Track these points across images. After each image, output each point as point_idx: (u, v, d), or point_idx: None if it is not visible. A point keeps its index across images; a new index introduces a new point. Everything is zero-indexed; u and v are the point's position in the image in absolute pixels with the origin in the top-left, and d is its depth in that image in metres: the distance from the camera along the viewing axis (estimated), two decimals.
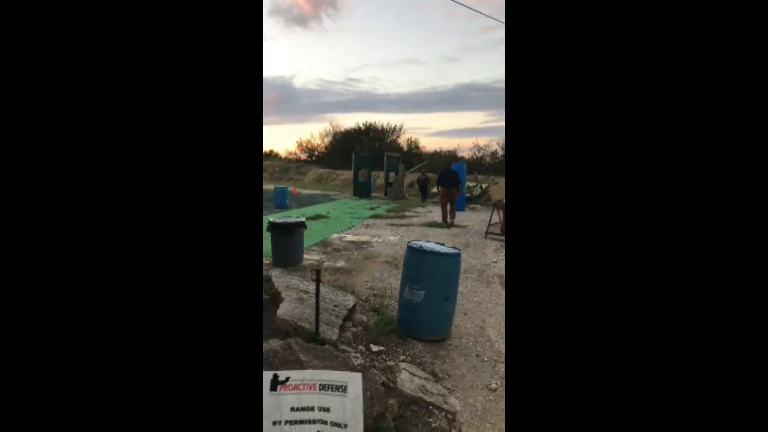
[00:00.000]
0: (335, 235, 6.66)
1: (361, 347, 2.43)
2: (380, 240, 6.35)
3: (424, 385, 2.06)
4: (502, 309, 3.40)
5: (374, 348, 2.45)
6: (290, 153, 33.14)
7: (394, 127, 28.19)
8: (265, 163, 31.18)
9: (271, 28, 65.73)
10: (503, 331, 2.96)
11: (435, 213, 10.13)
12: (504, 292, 3.91)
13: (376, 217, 9.26)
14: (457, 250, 2.81)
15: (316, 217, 8.84)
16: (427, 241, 3.00)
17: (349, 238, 6.54)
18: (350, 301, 2.87)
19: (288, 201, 11.36)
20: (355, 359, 2.15)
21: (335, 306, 2.63)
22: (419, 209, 11.09)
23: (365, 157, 15.19)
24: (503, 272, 4.55)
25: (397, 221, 8.54)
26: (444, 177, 8.40)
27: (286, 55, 63.58)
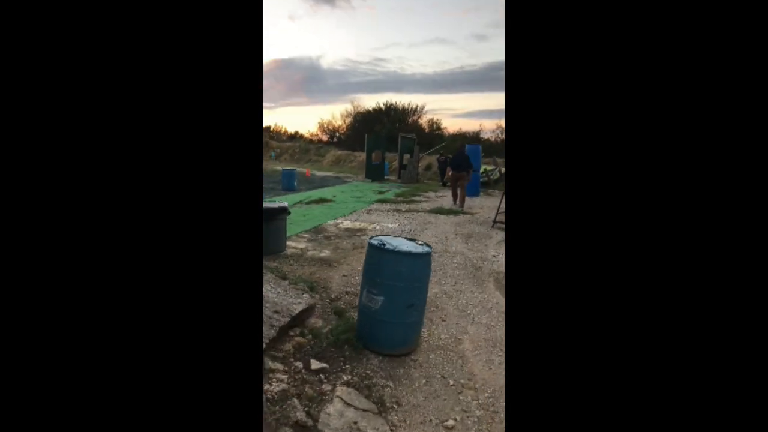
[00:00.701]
0: (331, 221, 6.28)
1: (297, 364, 2.03)
2: (377, 227, 5.91)
3: (356, 422, 1.65)
4: (489, 316, 2.91)
5: (315, 365, 2.05)
6: (312, 134, 32.95)
7: (416, 108, 27.32)
8: (287, 144, 31.25)
9: (298, 8, 65.06)
10: (483, 344, 2.49)
11: (447, 198, 9.57)
12: (498, 292, 3.41)
13: (382, 201, 8.80)
14: (426, 248, 2.34)
15: (320, 201, 8.49)
16: (395, 236, 2.53)
17: (346, 224, 6.14)
18: (301, 304, 2.47)
19: (296, 183, 11.08)
20: (277, 384, 1.76)
21: (275, 312, 2.24)
22: (431, 193, 10.53)
23: (379, 138, 14.61)
24: (502, 268, 4.03)
25: (403, 206, 8.06)
26: (455, 160, 8.47)
27: (313, 35, 62.80)
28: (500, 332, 2.64)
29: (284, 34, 63.34)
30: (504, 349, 2.43)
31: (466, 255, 4.52)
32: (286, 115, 59.92)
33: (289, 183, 10.79)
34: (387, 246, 2.27)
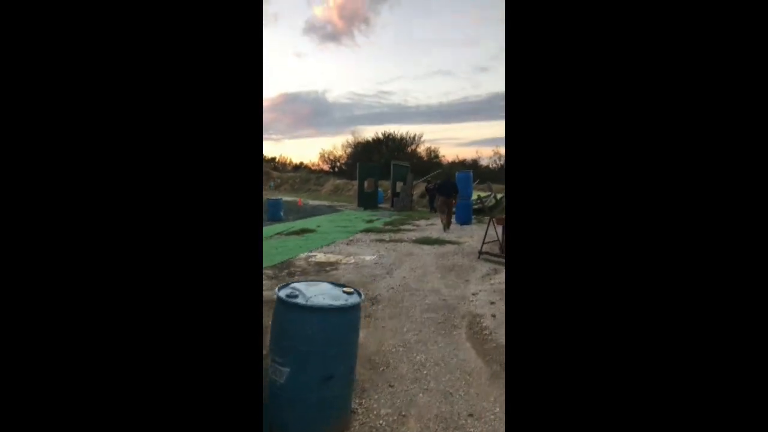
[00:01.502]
0: (304, 254, 5.76)
1: None
2: (351, 261, 5.38)
3: None
4: (450, 378, 2.32)
5: None
6: (313, 164, 33.14)
7: (414, 136, 27.29)
8: (289, 174, 31.41)
9: (305, 45, 66.75)
10: (432, 424, 1.89)
11: (437, 226, 9.05)
12: (468, 343, 2.82)
13: (368, 231, 8.29)
14: (353, 299, 1.81)
15: (301, 232, 8.01)
16: (314, 281, 2.00)
17: (319, 257, 5.62)
18: None
19: (282, 213, 10.66)
20: None
21: None
22: (422, 221, 10.01)
23: (372, 167, 14.28)
24: (481, 311, 3.45)
25: (387, 236, 7.54)
26: (443, 186, 9.00)
27: (319, 70, 64.57)
28: (458, 404, 2.05)
29: (291, 70, 65.20)
30: (458, 429, 1.84)
31: (441, 293, 3.94)
32: (293, 146, 60.94)
33: (274, 213, 10.37)
34: (298, 298, 1.74)
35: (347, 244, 6.75)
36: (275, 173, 31.68)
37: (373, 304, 3.60)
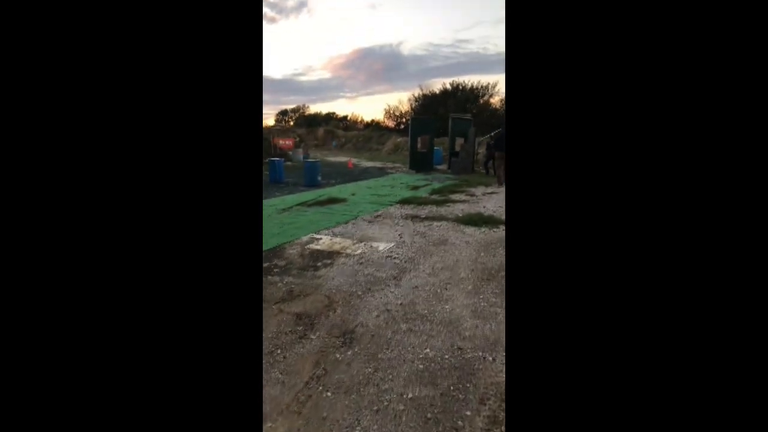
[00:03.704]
0: (306, 237, 4.50)
1: None
2: (358, 251, 3.98)
3: None
4: None
5: None
6: (379, 121, 31.76)
7: (487, 86, 24.06)
8: (353, 132, 30.51)
9: None
10: None
11: (496, 197, 7.18)
12: None
13: (405, 202, 6.76)
14: None
15: (328, 202, 6.78)
16: None
17: (321, 243, 4.32)
18: None
19: (320, 178, 9.53)
20: None
21: None
22: (478, 190, 8.13)
23: (426, 122, 12.27)
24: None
25: (426, 211, 5.95)
26: (499, 141, 8.08)
27: (394, 21, 61.20)
28: None
29: (365, 24, 62.48)
30: None
31: (460, 330, 2.37)
32: (366, 104, 59.72)
33: (311, 178, 9.28)
34: None
35: (370, 221, 5.33)
36: (341, 132, 30.96)
37: (341, 347, 2.19)
